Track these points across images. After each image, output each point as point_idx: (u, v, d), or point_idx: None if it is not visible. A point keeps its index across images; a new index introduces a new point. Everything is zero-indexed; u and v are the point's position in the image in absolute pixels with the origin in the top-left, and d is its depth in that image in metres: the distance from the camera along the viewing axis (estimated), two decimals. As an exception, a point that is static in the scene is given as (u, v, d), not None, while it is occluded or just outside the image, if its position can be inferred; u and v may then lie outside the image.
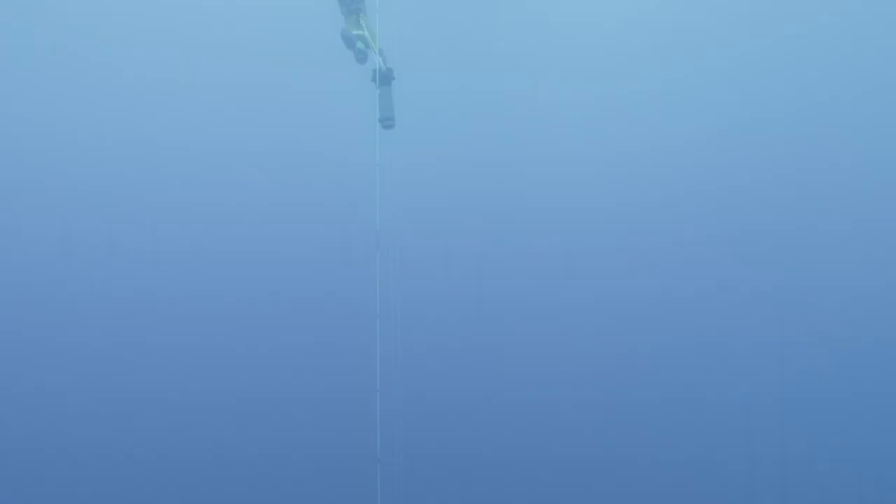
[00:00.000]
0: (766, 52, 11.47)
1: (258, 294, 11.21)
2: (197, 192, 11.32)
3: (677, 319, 11.29)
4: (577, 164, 11.59)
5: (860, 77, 11.27)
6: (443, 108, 11.26)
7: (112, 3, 11.22)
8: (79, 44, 11.10)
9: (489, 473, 10.84)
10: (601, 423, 11.04)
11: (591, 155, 11.62)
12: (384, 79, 7.23)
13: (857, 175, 11.15)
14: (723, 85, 11.59)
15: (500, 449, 10.89)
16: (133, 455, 10.47)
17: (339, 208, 11.11)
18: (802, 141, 11.30)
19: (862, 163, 11.19)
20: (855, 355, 10.85)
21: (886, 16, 11.19)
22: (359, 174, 8.10)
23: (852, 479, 10.57)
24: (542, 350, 11.14)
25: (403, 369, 7.69)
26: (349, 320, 9.88)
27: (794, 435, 10.80)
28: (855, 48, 11.25)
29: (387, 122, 7.25)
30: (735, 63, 11.53)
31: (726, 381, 11.05)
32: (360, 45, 7.19)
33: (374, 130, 7.35)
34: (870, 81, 11.23)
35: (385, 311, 7.36)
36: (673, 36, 11.58)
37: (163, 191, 11.24)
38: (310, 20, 10.46)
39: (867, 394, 10.69)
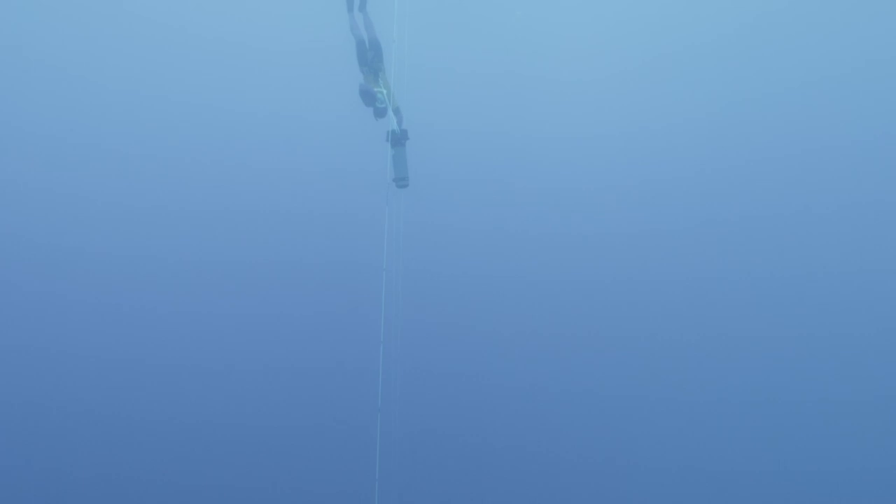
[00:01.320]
0: (772, 45, 11.54)
1: (259, 261, 11.34)
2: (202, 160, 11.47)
3: (682, 308, 11.37)
4: (588, 144, 11.67)
5: (857, 65, 11.29)
6: (452, 82, 11.37)
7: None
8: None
9: (488, 448, 10.98)
10: (602, 412, 11.15)
11: (603, 135, 11.69)
12: (397, 140, 7.31)
13: (853, 163, 11.18)
14: (745, 71, 11.62)
15: (498, 427, 11.05)
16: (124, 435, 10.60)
17: (349, 179, 11.17)
18: (801, 131, 11.34)
19: (859, 152, 11.22)
20: (853, 348, 10.90)
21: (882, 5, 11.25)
22: (369, 145, 8.17)
23: (850, 475, 10.61)
24: (539, 333, 11.28)
25: (405, 340, 7.78)
26: (356, 289, 10.02)
27: (790, 431, 10.87)
28: (853, 34, 11.28)
29: (401, 182, 7.34)
30: (749, 49, 11.57)
31: (724, 371, 11.14)
32: (379, 95, 7.24)
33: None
34: (869, 71, 11.26)
35: (390, 291, 7.45)
36: (673, 22, 11.67)
37: (169, 154, 11.39)
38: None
39: (866, 383, 10.74)
